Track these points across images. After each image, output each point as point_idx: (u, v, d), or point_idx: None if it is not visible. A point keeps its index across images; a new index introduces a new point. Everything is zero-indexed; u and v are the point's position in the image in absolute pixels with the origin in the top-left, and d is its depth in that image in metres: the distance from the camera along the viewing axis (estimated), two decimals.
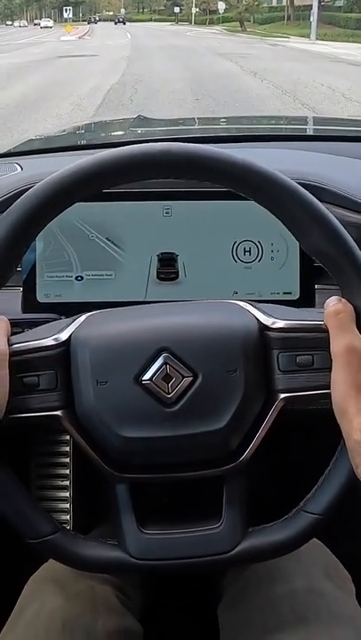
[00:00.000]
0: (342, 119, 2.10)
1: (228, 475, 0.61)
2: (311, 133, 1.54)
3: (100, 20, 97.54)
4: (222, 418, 0.57)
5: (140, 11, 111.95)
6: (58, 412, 0.58)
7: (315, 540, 0.74)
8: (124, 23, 74.26)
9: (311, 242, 0.57)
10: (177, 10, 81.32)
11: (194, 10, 70.20)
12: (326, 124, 1.86)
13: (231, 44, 28.53)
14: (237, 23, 51.31)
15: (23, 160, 1.01)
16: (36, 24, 78.82)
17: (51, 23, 74.96)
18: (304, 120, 2.08)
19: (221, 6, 55.58)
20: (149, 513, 0.62)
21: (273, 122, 1.99)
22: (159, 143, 0.56)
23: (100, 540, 0.62)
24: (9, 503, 0.59)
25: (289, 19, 47.98)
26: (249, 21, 51.17)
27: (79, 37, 40.46)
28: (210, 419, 0.58)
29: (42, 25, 73.91)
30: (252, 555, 0.61)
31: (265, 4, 55.13)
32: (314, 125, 1.75)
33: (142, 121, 1.70)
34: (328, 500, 0.59)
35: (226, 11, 56.89)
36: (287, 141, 1.19)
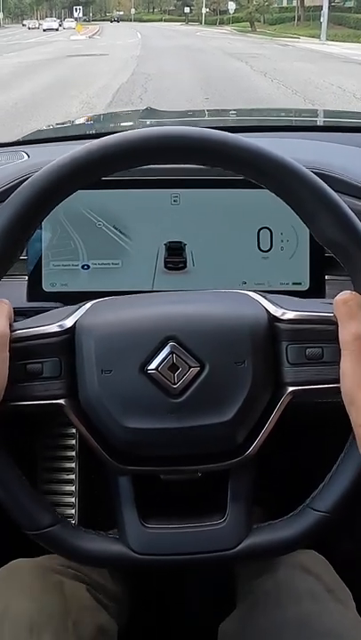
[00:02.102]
0: (353, 112, 2.05)
1: (233, 469, 0.59)
2: (322, 124, 1.52)
3: (104, 20, 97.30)
4: (229, 410, 0.56)
5: (151, 11, 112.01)
6: (61, 401, 0.57)
7: (321, 558, 0.74)
8: (118, 22, 78.00)
9: (321, 229, 0.55)
10: (187, 10, 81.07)
11: (204, 10, 70.11)
12: (337, 116, 1.85)
13: (241, 43, 28.40)
14: (247, 24, 51.13)
15: (30, 148, 1.01)
16: (31, 28, 61.80)
17: (56, 24, 60.24)
18: (314, 112, 2.06)
19: (232, 6, 55.25)
20: (152, 507, 0.60)
21: (283, 114, 1.97)
22: (164, 127, 0.54)
23: (101, 534, 0.61)
24: (8, 493, 0.58)
25: (299, 19, 47.76)
26: (259, 22, 50.87)
27: (89, 37, 40.16)
28: (216, 411, 0.56)
29: (45, 27, 58.47)
30: (255, 552, 0.59)
31: (275, 5, 55.01)
32: (324, 117, 1.74)
33: (151, 112, 1.70)
34: (335, 497, 0.58)
35: (236, 11, 56.54)
36: (298, 132, 1.18)
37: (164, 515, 0.61)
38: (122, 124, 1.66)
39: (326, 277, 0.80)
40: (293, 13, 50.29)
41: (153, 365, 0.55)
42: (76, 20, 50.73)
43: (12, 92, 11.07)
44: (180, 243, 0.80)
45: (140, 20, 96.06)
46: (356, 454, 0.56)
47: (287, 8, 55.76)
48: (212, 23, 66.23)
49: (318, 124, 1.55)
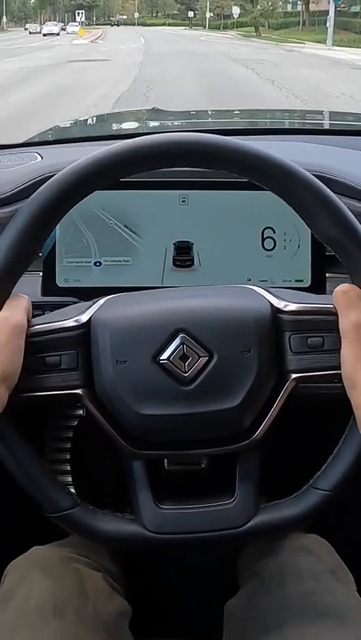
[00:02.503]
0: (357, 114, 2.05)
1: (241, 452, 0.63)
2: (326, 127, 1.53)
3: (106, 24, 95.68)
4: (236, 396, 0.59)
5: (154, 15, 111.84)
6: (79, 391, 0.60)
7: (323, 541, 0.77)
8: (119, 25, 76.93)
9: (320, 227, 0.58)
10: (191, 14, 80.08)
11: (208, 14, 69.71)
12: (340, 118, 1.84)
13: (246, 49, 27.42)
14: (252, 28, 50.27)
15: (43, 149, 1.03)
16: (32, 32, 57.15)
17: (57, 28, 54.81)
18: (320, 113, 2.06)
19: (236, 11, 54.47)
20: (165, 489, 0.63)
21: (287, 115, 1.97)
22: (174, 134, 0.57)
23: (118, 515, 0.63)
24: (29, 478, 0.61)
25: (304, 24, 47.18)
26: (263, 27, 50.32)
27: (92, 41, 39.04)
28: (224, 397, 0.59)
29: (45, 31, 53.22)
30: (263, 529, 0.63)
31: (280, 10, 54.55)
32: (329, 120, 1.72)
33: (157, 113, 1.71)
34: (337, 476, 0.61)
35: (240, 15, 56.08)
36: (301, 134, 1.21)
37: (177, 496, 0.64)
38: (128, 126, 1.67)
39: (327, 275, 0.83)
40: (298, 18, 49.70)
41: (165, 356, 0.59)
42: (79, 24, 48.81)
43: (9, 98, 10.62)
44: (188, 242, 0.83)
45: (144, 24, 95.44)
46: (356, 436, 0.59)
47: (292, 13, 54.84)
48: (216, 28, 65.65)
49: (322, 126, 1.56)
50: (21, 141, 1.24)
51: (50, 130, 1.53)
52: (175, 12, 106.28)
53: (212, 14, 71.09)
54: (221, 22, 65.94)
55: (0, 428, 0.59)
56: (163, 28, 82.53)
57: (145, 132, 1.30)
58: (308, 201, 0.57)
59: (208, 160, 0.58)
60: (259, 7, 47.13)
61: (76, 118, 2.18)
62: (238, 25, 58.15)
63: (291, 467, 0.81)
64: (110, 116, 2.11)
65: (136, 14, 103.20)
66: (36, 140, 1.28)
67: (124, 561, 0.83)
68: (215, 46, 30.12)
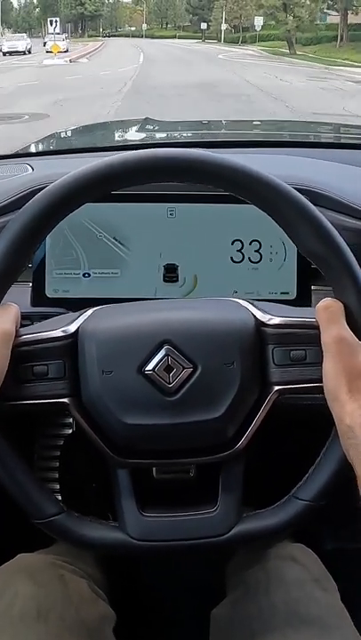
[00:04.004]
0: (348, 125, 1.97)
1: (224, 462, 0.64)
2: (315, 140, 1.52)
3: (112, 35, 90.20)
4: (219, 407, 0.61)
5: (164, 26, 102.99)
6: (65, 400, 0.61)
7: (308, 550, 0.78)
8: (109, 37, 66.32)
9: (303, 241, 0.60)
10: (204, 26, 70.99)
11: (223, 26, 60.34)
12: (332, 131, 1.80)
13: (294, 76, 17.19)
14: (277, 43, 41.30)
15: (33, 161, 1.03)
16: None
17: (23, 44, 36.03)
18: (311, 126, 1.90)
19: (259, 22, 44.94)
20: (149, 497, 0.64)
21: (279, 126, 1.96)
22: (166, 149, 0.59)
23: (103, 522, 0.65)
24: (17, 484, 0.62)
25: (341, 39, 37.75)
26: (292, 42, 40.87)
27: (71, 60, 27.30)
28: (208, 408, 0.61)
29: (5, 49, 34.12)
30: (245, 538, 0.64)
31: (318, 22, 44.48)
32: (319, 132, 1.70)
33: (149, 123, 1.70)
34: (318, 487, 0.63)
35: (262, 27, 46.74)
36: (290, 147, 1.21)
37: (161, 504, 0.65)
38: (120, 137, 1.69)
39: (312, 287, 0.84)
40: (330, 32, 40.03)
41: (150, 367, 0.60)
42: (54, 36, 32.32)
43: None
44: (175, 264, 0.85)
45: (152, 37, 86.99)
46: (337, 448, 0.60)
47: (325, 26, 45.45)
48: (234, 41, 56.16)
49: (313, 139, 1.54)
50: (12, 152, 1.19)
51: (41, 140, 1.55)
52: (186, 23, 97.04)
53: (227, 26, 61.32)
54: (240, 35, 56.10)
55: None
56: (172, 41, 73.06)
57: (137, 144, 1.37)
58: (288, 214, 0.59)
59: (195, 176, 0.60)
60: (291, 17, 37.14)
61: (68, 128, 2.07)
62: (260, 39, 48.39)
63: (273, 477, 0.81)
64: (102, 126, 2.14)
65: (144, 26, 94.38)
66: (28, 150, 1.30)
67: (109, 567, 0.85)
68: (244, 71, 19.74)
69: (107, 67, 21.87)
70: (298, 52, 34.55)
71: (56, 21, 33.32)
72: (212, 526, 0.63)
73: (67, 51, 35.13)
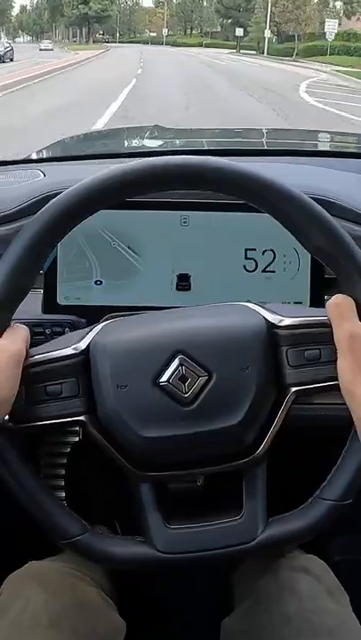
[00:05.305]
0: (356, 134, 1.95)
1: (246, 468, 0.63)
2: (326, 149, 1.53)
3: (130, 41, 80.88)
4: (238, 413, 0.60)
5: (188, 33, 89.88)
6: (82, 418, 0.61)
7: (321, 561, 0.78)
8: (52, 50, 47.53)
9: (311, 241, 0.60)
10: (239, 32, 57.45)
11: (267, 33, 46.96)
12: (343, 140, 1.82)
13: None
14: (352, 58, 28.11)
15: (46, 167, 1.03)
16: None
17: None
18: (325, 136, 1.92)
19: (331, 28, 31.61)
20: (173, 509, 0.64)
21: (290, 136, 1.97)
22: (174, 157, 0.59)
23: (128, 538, 0.65)
24: (40, 508, 0.62)
25: None
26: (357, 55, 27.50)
27: (35, 82, 16.36)
28: (226, 415, 0.60)
29: None
30: (273, 543, 0.64)
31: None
32: (331, 141, 1.71)
33: (159, 131, 1.70)
34: (342, 486, 0.63)
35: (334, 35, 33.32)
36: (301, 156, 1.21)
37: (186, 515, 0.65)
38: (134, 144, 1.69)
39: (326, 297, 0.84)
40: None
41: (164, 378, 0.60)
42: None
43: None
44: (187, 274, 0.85)
45: (174, 44, 73.56)
46: (358, 446, 0.61)
47: None
48: (283, 54, 42.71)
49: (321, 148, 1.55)
50: (23, 157, 1.23)
51: (52, 145, 1.54)
52: (216, 29, 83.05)
53: (270, 32, 47.69)
54: (295, 45, 42.08)
55: (6, 457, 0.61)
56: (197, 50, 59.25)
57: (148, 151, 1.36)
58: (295, 216, 0.59)
59: (209, 183, 0.60)
60: None
61: (78, 134, 2.00)
62: (331, 51, 34.64)
63: (297, 479, 0.80)
64: (112, 133, 2.16)
65: (165, 31, 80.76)
66: (39, 156, 1.30)
67: (118, 577, 0.85)
68: None
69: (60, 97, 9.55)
70: None
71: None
72: (240, 533, 0.63)
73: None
